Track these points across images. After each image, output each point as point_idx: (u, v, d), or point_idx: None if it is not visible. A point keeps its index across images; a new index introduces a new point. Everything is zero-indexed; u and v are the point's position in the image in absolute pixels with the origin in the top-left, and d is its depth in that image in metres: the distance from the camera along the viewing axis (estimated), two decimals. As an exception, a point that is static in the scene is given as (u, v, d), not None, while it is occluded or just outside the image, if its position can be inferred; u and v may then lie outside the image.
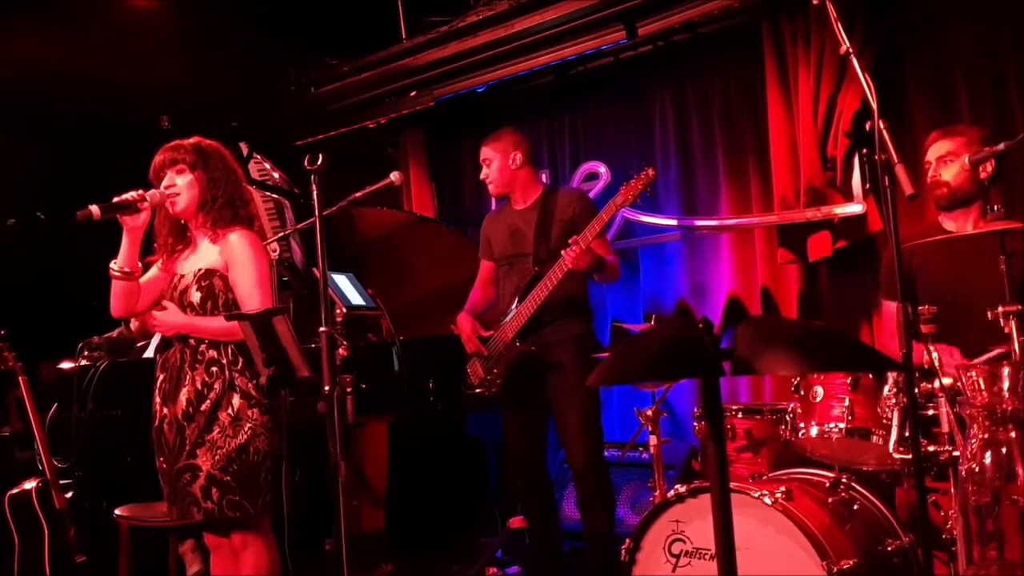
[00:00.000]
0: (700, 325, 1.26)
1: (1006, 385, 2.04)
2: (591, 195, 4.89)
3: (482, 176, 4.10)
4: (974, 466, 2.05)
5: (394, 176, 3.54)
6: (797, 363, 1.22)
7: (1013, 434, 2.04)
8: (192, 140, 3.11)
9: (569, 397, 3.82)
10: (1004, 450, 2.03)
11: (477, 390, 3.97)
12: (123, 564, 3.71)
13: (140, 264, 3.11)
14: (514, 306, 3.88)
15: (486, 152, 4.06)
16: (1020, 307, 2.45)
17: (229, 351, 3.00)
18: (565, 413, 3.85)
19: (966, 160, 3.36)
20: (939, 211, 3.39)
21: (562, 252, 3.65)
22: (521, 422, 4.00)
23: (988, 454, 2.01)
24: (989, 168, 3.30)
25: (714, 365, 1.23)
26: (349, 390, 3.68)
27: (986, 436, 2.04)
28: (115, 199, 2.98)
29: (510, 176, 4.02)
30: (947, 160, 3.31)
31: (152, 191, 3.04)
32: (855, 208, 4.29)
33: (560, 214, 3.92)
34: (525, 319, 3.81)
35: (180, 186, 3.04)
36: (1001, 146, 3.23)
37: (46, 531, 3.78)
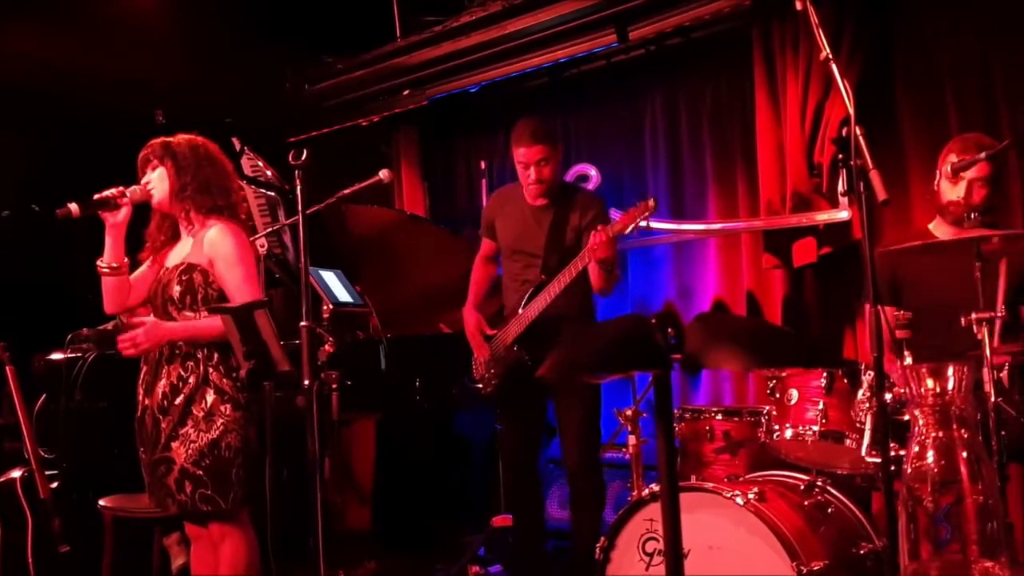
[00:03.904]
0: (653, 320, 1.28)
1: (951, 384, 2.06)
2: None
3: (534, 177, 3.77)
4: (921, 464, 2.07)
5: (383, 174, 3.55)
6: (744, 359, 1.25)
7: (962, 433, 2.06)
8: (163, 138, 3.17)
9: (573, 399, 3.81)
10: (949, 449, 2.05)
11: (478, 385, 4.00)
12: (107, 555, 3.72)
13: (127, 259, 3.16)
14: (520, 310, 3.84)
15: (546, 151, 3.75)
16: (991, 314, 2.48)
17: (205, 346, 3.03)
18: (567, 414, 3.84)
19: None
20: (951, 224, 3.42)
21: (588, 239, 3.57)
22: (516, 423, 4.01)
23: (932, 453, 2.04)
24: None
25: (663, 359, 1.25)
26: (335, 386, 3.71)
27: (932, 435, 2.06)
28: (95, 196, 3.04)
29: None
30: (983, 182, 3.37)
31: (133, 187, 3.11)
32: (841, 215, 4.31)
33: (574, 221, 3.83)
34: (526, 325, 3.80)
35: (154, 179, 3.12)
36: (982, 155, 3.29)
37: (30, 521, 3.79)
